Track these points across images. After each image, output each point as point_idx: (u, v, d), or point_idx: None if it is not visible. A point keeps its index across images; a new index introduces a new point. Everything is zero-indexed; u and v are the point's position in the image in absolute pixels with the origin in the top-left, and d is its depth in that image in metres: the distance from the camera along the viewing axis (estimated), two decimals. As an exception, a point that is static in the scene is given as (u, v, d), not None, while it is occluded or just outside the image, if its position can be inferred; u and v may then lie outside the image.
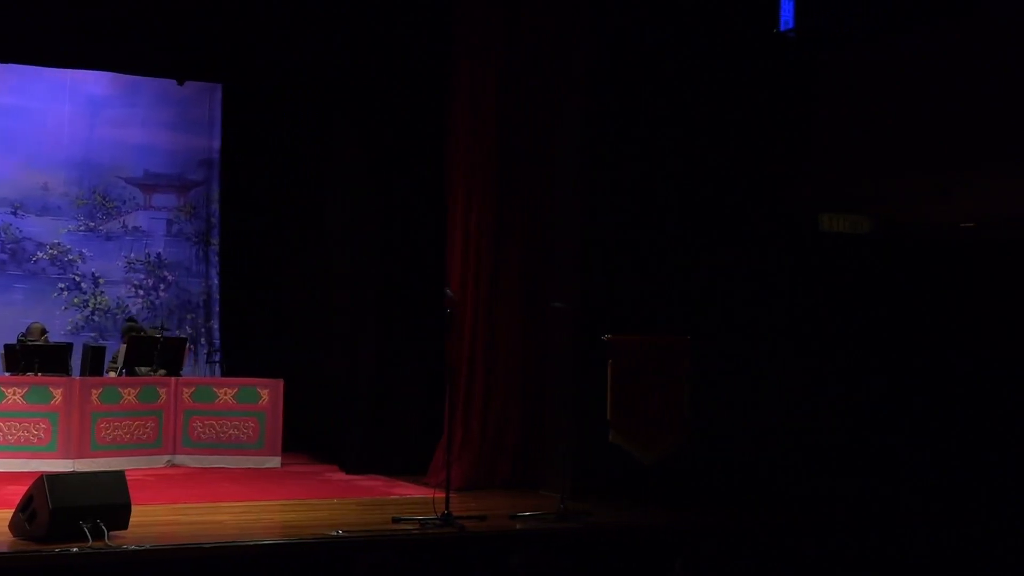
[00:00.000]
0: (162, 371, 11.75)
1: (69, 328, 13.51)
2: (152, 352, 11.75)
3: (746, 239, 10.39)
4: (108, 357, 12.17)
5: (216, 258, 14.18)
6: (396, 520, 8.31)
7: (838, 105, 9.68)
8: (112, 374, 11.88)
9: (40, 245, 13.60)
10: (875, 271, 10.85)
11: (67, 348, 11.70)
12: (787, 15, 10.09)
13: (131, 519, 7.52)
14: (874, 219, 10.20)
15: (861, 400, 11.10)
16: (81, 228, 13.76)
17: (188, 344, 12.50)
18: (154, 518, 8.19)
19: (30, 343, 11.59)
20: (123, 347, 12.07)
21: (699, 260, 10.25)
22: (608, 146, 10.01)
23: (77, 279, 13.76)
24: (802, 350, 10.51)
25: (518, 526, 8.51)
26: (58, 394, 10.75)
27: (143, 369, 11.76)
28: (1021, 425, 10.73)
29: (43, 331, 12.00)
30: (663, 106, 10.17)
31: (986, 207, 10.13)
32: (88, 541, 7.10)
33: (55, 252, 13.64)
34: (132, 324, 12.69)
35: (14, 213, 13.50)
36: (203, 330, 13.99)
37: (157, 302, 14.00)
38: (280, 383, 11.46)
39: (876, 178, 9.50)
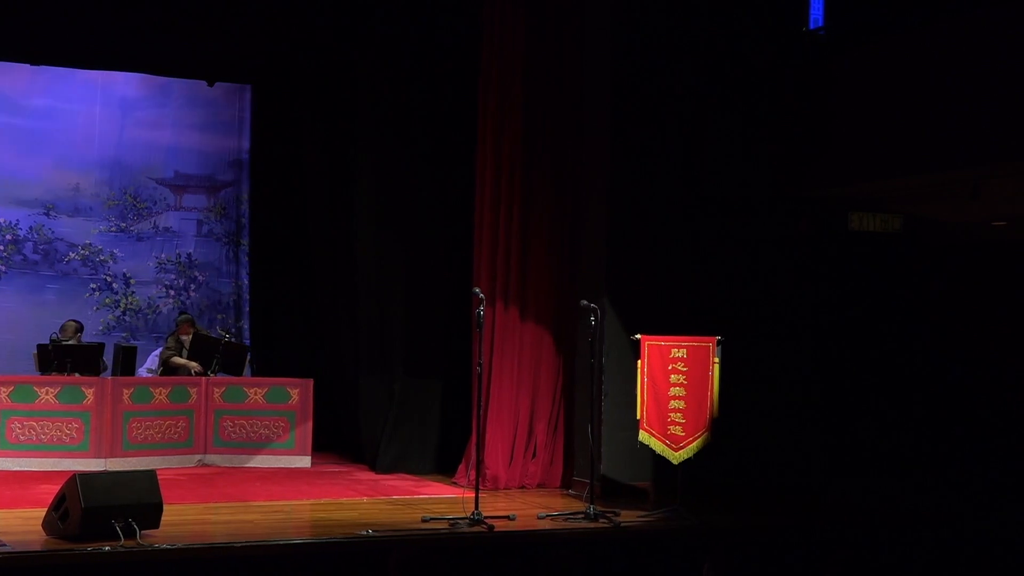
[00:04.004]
0: (221, 374, 11.79)
1: (101, 328, 13.58)
2: (214, 353, 11.80)
3: (776, 238, 10.29)
4: (139, 356, 12.19)
5: (246, 258, 14.22)
6: (425, 519, 8.30)
7: (868, 102, 9.59)
8: (177, 358, 11.92)
9: (72, 246, 13.69)
10: (907, 270, 10.73)
11: (99, 348, 11.75)
12: (816, 13, 10.03)
13: (163, 518, 7.51)
14: (905, 218, 10.08)
15: (890, 400, 10.98)
16: (112, 229, 13.86)
17: (248, 352, 12.50)
18: (185, 517, 8.18)
19: (63, 343, 11.62)
20: (185, 337, 12.04)
21: (728, 259, 10.18)
22: (635, 143, 9.95)
23: (108, 279, 13.84)
24: (832, 350, 10.40)
25: (547, 526, 8.46)
26: (90, 394, 10.78)
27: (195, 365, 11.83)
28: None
29: (78, 328, 12.00)
30: (690, 103, 10.11)
31: (1018, 206, 10.02)
32: (120, 540, 7.09)
33: (87, 252, 13.73)
34: (188, 316, 12.64)
35: (46, 214, 13.61)
36: (233, 330, 14.01)
37: (188, 302, 14.06)
38: (310, 383, 11.46)
39: (906, 176, 9.40)
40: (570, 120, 10.24)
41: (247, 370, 13.13)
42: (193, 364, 11.85)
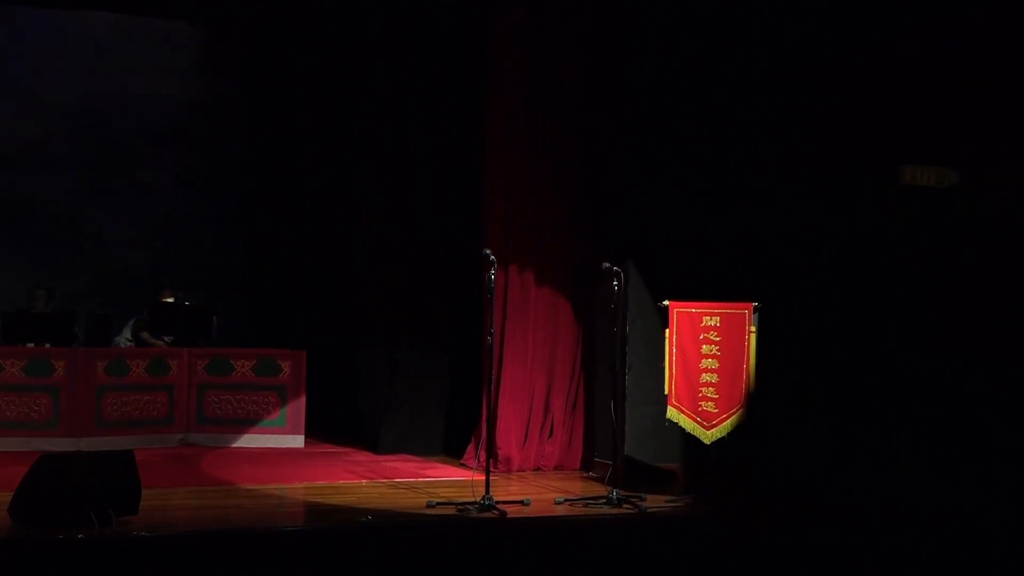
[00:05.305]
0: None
1: (72, 295, 13.20)
2: (175, 320, 11.51)
3: (818, 195, 9.99)
4: (115, 326, 11.96)
5: (234, 216, 13.96)
6: (431, 504, 8.13)
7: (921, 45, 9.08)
8: (145, 333, 11.74)
9: (41, 203, 13.45)
10: (964, 230, 10.33)
11: (70, 316, 11.47)
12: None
13: (141, 503, 7.37)
14: (962, 172, 9.65)
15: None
16: (85, 184, 13.60)
17: (214, 315, 12.27)
18: (166, 502, 8.08)
19: (30, 310, 11.44)
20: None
21: (766, 218, 9.86)
22: (665, 91, 9.69)
23: (81, 241, 13.61)
24: (881, 317, 9.91)
25: (565, 512, 8.23)
26: (60, 366, 10.52)
27: (167, 339, 11.56)
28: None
29: (50, 297, 11.79)
30: (726, 52, 9.85)
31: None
32: (94, 527, 6.93)
33: (57, 211, 13.51)
34: (165, 281, 12.37)
35: (12, 169, 13.33)
36: (220, 295, 13.69)
37: (168, 266, 13.75)
38: (303, 354, 11.18)
39: (964, 127, 9.05)
40: (593, 56, 9.92)
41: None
42: (158, 343, 11.66)
